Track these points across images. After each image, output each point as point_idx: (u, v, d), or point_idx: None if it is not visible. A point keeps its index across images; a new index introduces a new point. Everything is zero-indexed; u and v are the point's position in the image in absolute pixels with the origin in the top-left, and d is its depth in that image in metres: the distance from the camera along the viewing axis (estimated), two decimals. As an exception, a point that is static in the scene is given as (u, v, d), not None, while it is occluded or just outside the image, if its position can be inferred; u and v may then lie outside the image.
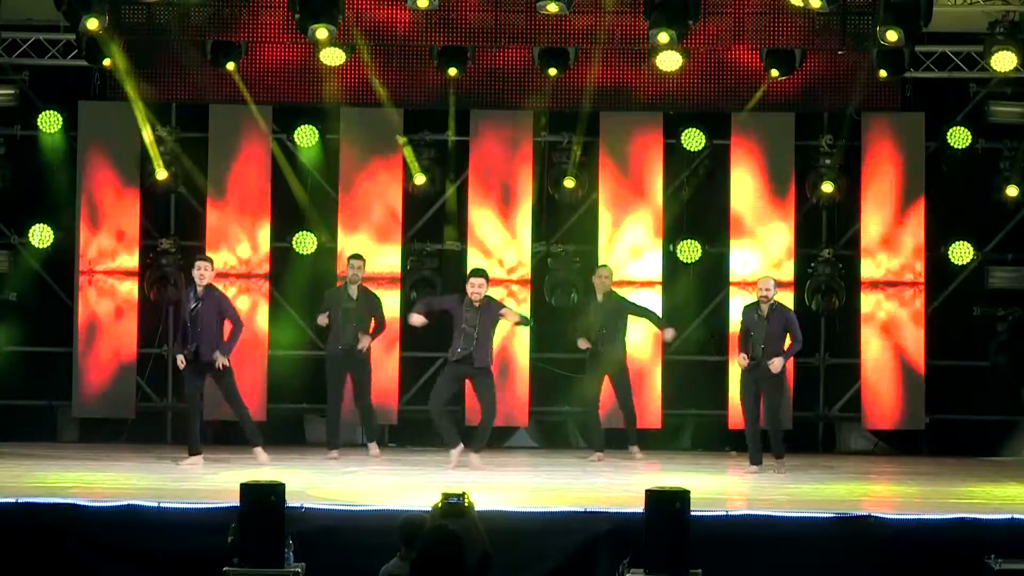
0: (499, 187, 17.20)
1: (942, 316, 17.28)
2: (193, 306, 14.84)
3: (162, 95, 16.90)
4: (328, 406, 15.94)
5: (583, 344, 15.82)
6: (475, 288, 14.91)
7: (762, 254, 17.08)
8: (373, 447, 15.93)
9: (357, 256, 15.98)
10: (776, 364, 14.79)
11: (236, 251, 17.01)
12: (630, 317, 15.98)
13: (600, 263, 16.55)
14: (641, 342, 16.73)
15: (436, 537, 7.31)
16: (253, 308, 16.91)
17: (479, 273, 15.17)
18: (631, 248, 17.10)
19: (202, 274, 14.85)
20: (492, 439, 16.49)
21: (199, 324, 14.77)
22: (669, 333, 15.99)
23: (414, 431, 16.74)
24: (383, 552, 9.13)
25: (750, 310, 15.07)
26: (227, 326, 14.91)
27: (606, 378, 15.87)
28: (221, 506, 11.04)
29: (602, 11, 15.82)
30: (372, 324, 15.79)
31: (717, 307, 17.30)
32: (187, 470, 14.37)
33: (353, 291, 15.74)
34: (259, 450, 15.07)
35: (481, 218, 17.21)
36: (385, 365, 16.75)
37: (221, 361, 14.74)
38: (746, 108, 16.91)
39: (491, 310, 15.02)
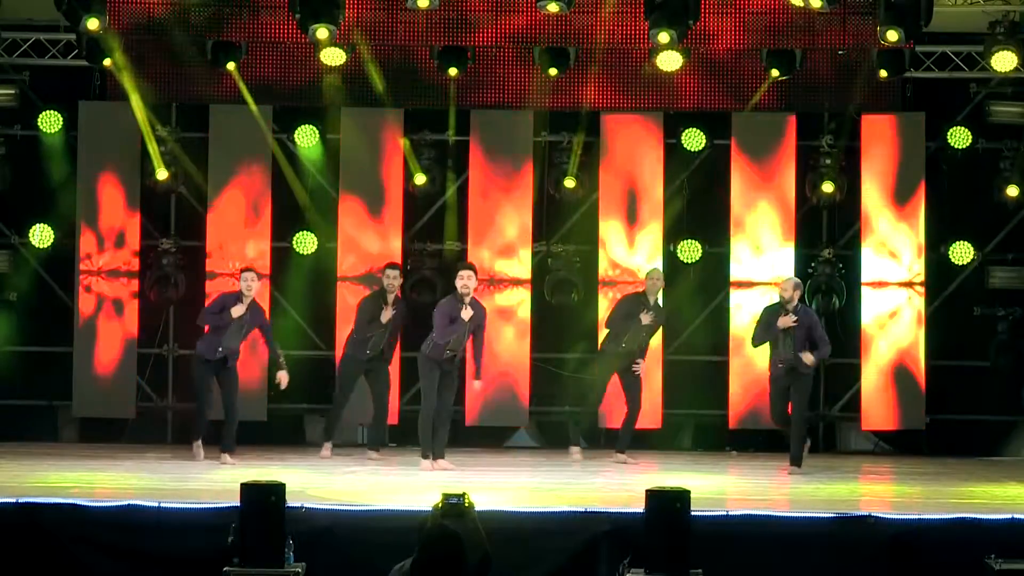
0: (500, 187, 17.20)
1: (942, 316, 17.28)
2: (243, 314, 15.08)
3: (162, 95, 16.91)
4: (334, 406, 15.95)
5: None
6: (464, 280, 14.82)
7: (762, 254, 17.08)
8: (372, 453, 15.84)
9: (393, 266, 15.83)
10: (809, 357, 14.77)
11: (236, 251, 16.99)
12: None
13: (652, 267, 16.28)
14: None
15: (436, 537, 7.30)
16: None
17: (469, 266, 15.15)
18: (631, 248, 17.09)
19: (250, 285, 15.05)
20: (492, 439, 16.54)
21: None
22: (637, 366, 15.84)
23: (414, 431, 16.70)
24: (383, 552, 9.11)
25: (775, 311, 15.00)
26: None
27: (615, 375, 15.77)
28: (221, 506, 11.03)
29: (602, 11, 15.82)
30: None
31: (717, 307, 17.30)
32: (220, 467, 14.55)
33: (390, 300, 15.58)
34: (226, 455, 15.08)
35: (481, 218, 17.21)
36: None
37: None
38: (748, 106, 16.90)
39: (480, 315, 14.93)
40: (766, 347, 15.11)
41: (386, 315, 15.40)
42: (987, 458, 16.68)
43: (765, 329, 14.95)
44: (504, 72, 17.06)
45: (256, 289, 15.23)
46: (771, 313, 14.98)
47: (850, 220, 17.38)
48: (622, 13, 15.84)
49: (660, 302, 15.92)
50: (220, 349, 15.08)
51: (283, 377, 15.22)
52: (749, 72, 16.82)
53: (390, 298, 15.53)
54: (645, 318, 15.55)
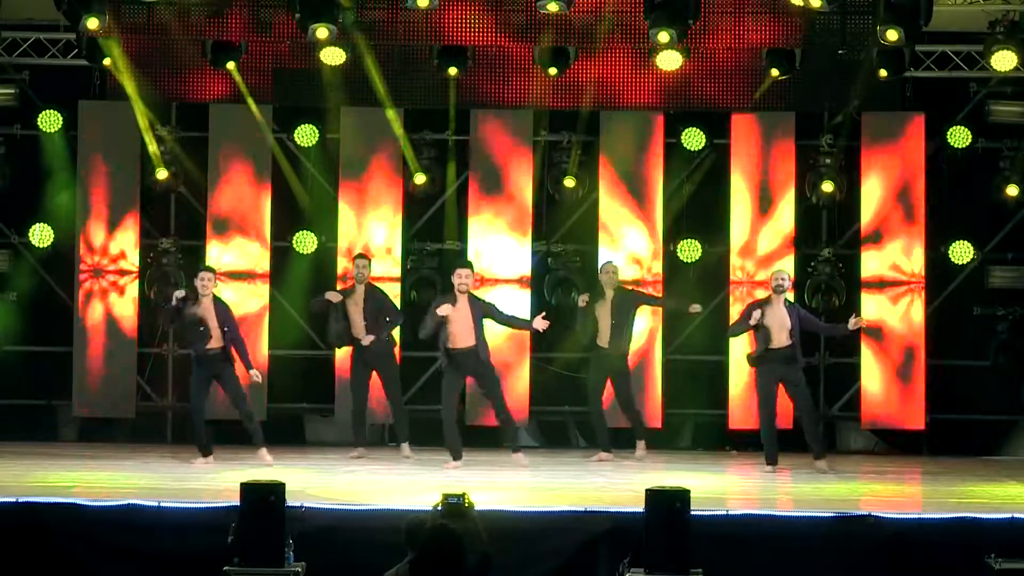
0: (499, 187, 17.20)
1: (942, 316, 17.28)
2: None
3: (162, 95, 16.91)
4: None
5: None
6: (462, 279, 14.89)
7: (762, 254, 17.08)
8: (405, 448, 15.87)
9: (361, 256, 15.98)
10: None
11: (236, 251, 17.00)
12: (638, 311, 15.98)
13: (605, 260, 16.45)
14: (641, 340, 16.72)
15: (436, 537, 7.30)
16: (253, 308, 16.91)
17: (466, 264, 15.22)
18: (631, 248, 17.10)
19: (205, 284, 14.94)
20: (492, 439, 16.51)
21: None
22: (695, 307, 15.98)
23: (415, 431, 16.71)
24: (383, 552, 9.14)
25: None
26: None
27: (608, 379, 15.84)
28: (221, 506, 11.05)
29: (602, 11, 15.82)
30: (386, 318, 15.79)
31: (717, 307, 17.29)
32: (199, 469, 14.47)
33: (360, 290, 15.71)
34: (263, 451, 15.06)
35: (481, 218, 17.22)
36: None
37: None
38: (749, 104, 16.85)
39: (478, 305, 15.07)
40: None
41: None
42: (987, 458, 16.69)
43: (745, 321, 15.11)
44: (504, 72, 17.05)
45: (211, 288, 15.10)
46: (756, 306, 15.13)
47: (850, 220, 17.39)
48: (622, 13, 15.84)
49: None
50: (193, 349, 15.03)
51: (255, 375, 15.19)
52: (749, 72, 16.82)
53: (359, 288, 15.66)
54: (595, 308, 15.65)
